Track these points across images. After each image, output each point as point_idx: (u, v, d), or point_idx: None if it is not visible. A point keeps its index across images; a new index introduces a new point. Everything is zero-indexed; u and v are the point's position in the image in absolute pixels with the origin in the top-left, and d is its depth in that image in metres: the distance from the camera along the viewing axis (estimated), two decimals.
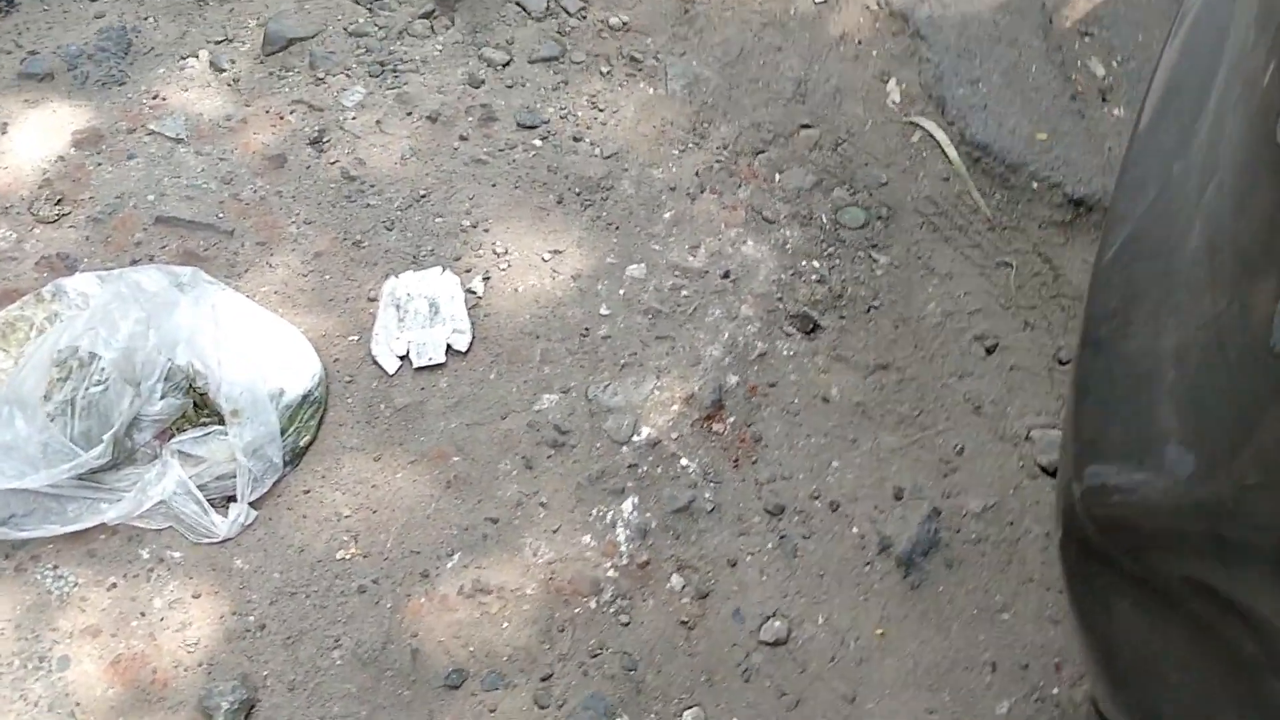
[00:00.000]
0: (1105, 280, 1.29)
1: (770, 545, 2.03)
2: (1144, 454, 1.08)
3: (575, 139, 2.49)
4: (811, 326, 2.26)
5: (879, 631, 1.96)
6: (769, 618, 1.96)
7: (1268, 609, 0.97)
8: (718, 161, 2.46)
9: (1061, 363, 2.27)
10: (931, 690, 1.91)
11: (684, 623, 1.95)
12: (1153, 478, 1.03)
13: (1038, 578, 2.01)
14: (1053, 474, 2.14)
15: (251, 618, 1.94)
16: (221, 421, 2.07)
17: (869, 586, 2.01)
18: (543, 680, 1.89)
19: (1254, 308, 0.99)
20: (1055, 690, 1.90)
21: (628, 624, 1.94)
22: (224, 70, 2.58)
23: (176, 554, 1.98)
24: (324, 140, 2.49)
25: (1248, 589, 0.98)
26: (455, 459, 2.09)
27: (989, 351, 2.26)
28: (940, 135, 2.50)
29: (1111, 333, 1.22)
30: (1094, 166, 2.46)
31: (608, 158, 2.46)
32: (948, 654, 1.94)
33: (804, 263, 2.33)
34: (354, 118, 2.53)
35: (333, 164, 2.46)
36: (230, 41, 2.64)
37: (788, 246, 2.35)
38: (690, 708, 1.88)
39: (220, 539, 2.00)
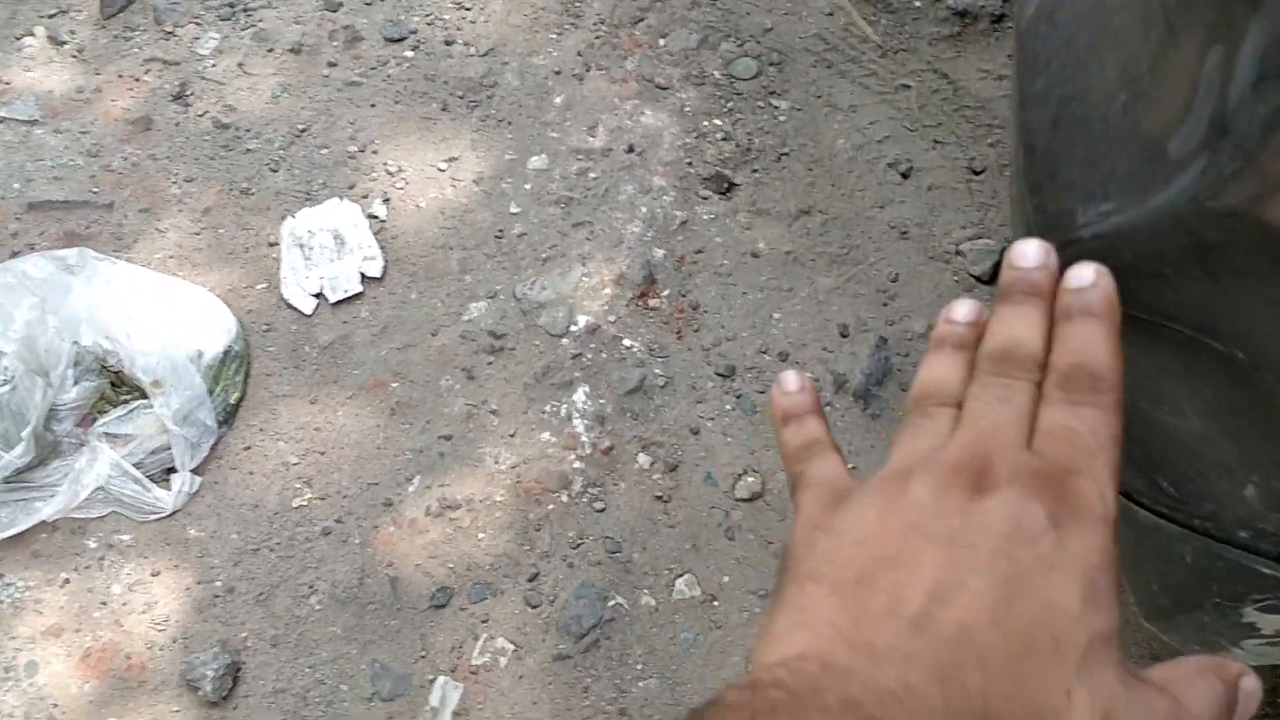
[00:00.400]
0: (1031, 35, 1.26)
1: (728, 407, 2.01)
2: (1112, 188, 1.05)
3: (447, 43, 2.40)
4: (727, 185, 2.21)
5: (849, 466, 1.95)
6: (741, 475, 1.94)
7: (1257, 314, 0.96)
8: (598, 37, 2.38)
9: (975, 173, 2.26)
10: None
11: (659, 497, 1.92)
12: (1130, 207, 1.00)
13: None
14: (987, 282, 2.14)
15: (218, 583, 1.87)
16: (144, 395, 1.98)
17: (832, 425, 1.98)
18: (530, 581, 1.85)
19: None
20: None
21: (603, 510, 1.91)
22: (65, 43, 2.44)
23: (125, 537, 1.90)
24: (187, 94, 2.36)
25: (1237, 297, 0.97)
26: (394, 385, 2.02)
27: (904, 176, 2.24)
28: None
29: (1048, 82, 1.19)
30: None
31: (484, 55, 2.37)
32: None
33: (706, 123, 2.28)
34: (213, 65, 2.41)
35: (201, 116, 2.34)
36: (65, 13, 2.49)
37: (686, 109, 2.30)
38: (681, 575, 1.86)
39: (168, 512, 1.92)
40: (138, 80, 2.39)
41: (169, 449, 1.95)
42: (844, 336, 2.07)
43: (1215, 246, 0.95)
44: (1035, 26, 1.26)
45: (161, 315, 2.04)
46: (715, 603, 1.85)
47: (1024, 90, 1.23)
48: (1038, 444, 0.47)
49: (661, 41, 2.38)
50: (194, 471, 1.95)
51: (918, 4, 2.41)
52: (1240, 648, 1.19)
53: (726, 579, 1.87)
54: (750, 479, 1.93)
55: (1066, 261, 1.13)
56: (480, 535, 1.89)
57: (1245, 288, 0.95)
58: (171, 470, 1.95)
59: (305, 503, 1.93)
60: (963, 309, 0.55)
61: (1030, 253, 0.54)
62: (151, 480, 1.93)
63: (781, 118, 2.30)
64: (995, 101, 2.34)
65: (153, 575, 1.87)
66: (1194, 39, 0.97)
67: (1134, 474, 1.19)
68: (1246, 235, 0.91)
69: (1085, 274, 0.52)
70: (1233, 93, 0.91)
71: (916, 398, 0.53)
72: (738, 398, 2.01)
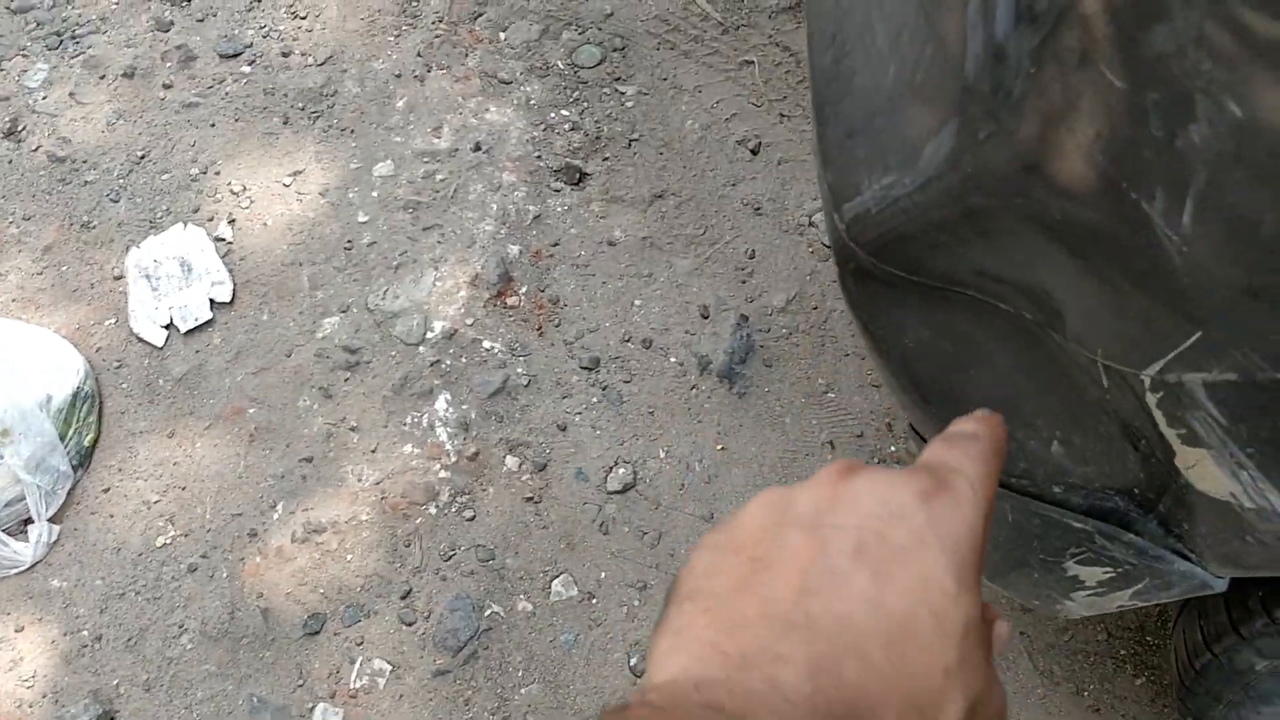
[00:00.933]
0: (817, 9, 1.25)
1: (595, 400, 1.99)
2: (890, 159, 1.05)
3: (284, 54, 2.34)
4: (578, 176, 2.19)
5: (719, 447, 1.95)
6: (612, 468, 1.93)
7: (1033, 273, 0.96)
8: (437, 36, 2.34)
9: None
10: (781, 483, 1.91)
11: (529, 499, 1.90)
12: (905, 178, 1.00)
13: (851, 351, 2.01)
14: None
15: (85, 632, 1.82)
16: None
17: (699, 408, 1.98)
18: (403, 598, 1.83)
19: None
20: (892, 448, 1.92)
21: (473, 518, 1.89)
22: None
23: None
24: (19, 129, 2.29)
25: (1010, 258, 0.97)
26: (251, 411, 1.98)
27: (754, 152, 2.23)
28: None
29: (834, 56, 1.18)
30: None
31: (323, 64, 2.32)
32: (787, 447, 1.94)
33: (553, 114, 2.26)
34: (44, 97, 2.33)
35: (35, 150, 2.27)
36: None
37: (532, 102, 2.27)
38: (557, 576, 1.85)
39: (28, 565, 1.86)
40: None
41: (23, 500, 1.89)
42: (705, 318, 2.06)
43: (982, 211, 0.95)
44: (818, 5, 1.25)
45: (4, 361, 1.97)
46: (593, 600, 1.84)
47: (813, 64, 1.23)
48: (925, 455, 0.49)
49: (502, 35, 2.35)
50: (51, 520, 1.89)
51: None
52: (1071, 599, 1.21)
53: (603, 574, 1.86)
54: (622, 470, 1.92)
55: (856, 236, 1.13)
56: (349, 557, 1.86)
57: (1019, 249, 0.95)
58: (29, 521, 1.89)
59: (169, 541, 1.88)
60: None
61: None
62: (8, 534, 1.87)
63: (629, 103, 2.28)
64: None
65: (16, 631, 1.81)
66: (948, 24, 0.97)
67: None
68: (1006, 198, 0.91)
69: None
70: (974, 63, 0.91)
71: None
72: (604, 389, 2.00)
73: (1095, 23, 0.80)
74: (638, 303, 2.07)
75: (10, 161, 2.25)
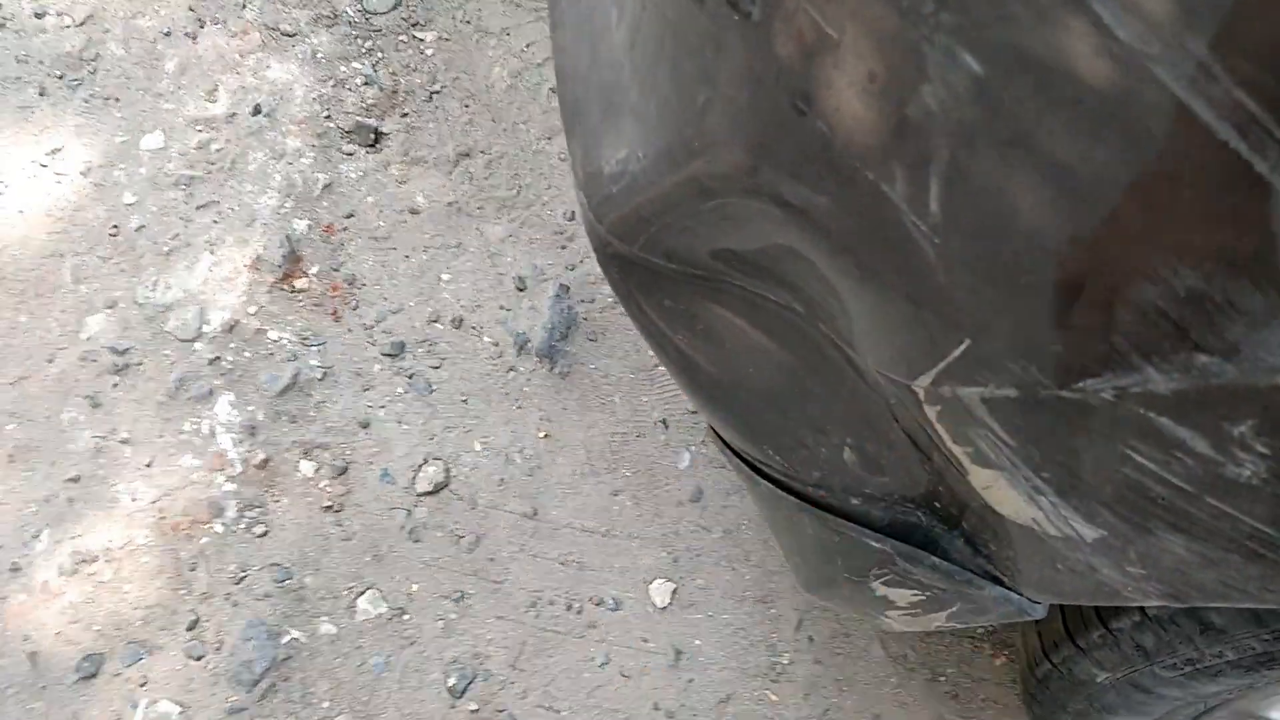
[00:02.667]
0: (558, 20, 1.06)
1: (400, 390, 1.79)
2: (618, 141, 0.87)
3: (38, 15, 2.07)
4: (374, 136, 1.97)
5: (542, 435, 1.77)
6: (421, 466, 1.74)
7: (788, 266, 0.79)
8: None
9: None
10: (610, 471, 1.74)
11: (329, 507, 1.71)
12: (638, 151, 0.82)
13: None
14: None
15: None
16: None
17: (519, 392, 1.80)
18: (189, 629, 1.63)
19: None
20: None
21: (265, 533, 1.68)
22: None
23: None
24: None
25: (760, 246, 0.79)
26: (10, 427, 1.74)
27: None
28: None
29: (572, 34, 0.99)
30: None
31: (82, 24, 2.05)
32: (617, 429, 1.77)
33: (343, 68, 2.02)
34: None
35: None
36: None
37: (319, 56, 2.03)
38: (363, 593, 1.66)
39: None
40: None
41: None
42: (521, 290, 1.86)
43: (712, 189, 0.77)
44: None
45: None
46: (405, 616, 1.66)
47: (554, 42, 1.03)
48: None
49: None
50: None
51: None
52: (887, 617, 1.05)
53: (415, 586, 1.67)
54: (432, 468, 1.73)
55: (607, 222, 0.94)
56: (126, 587, 1.64)
57: (766, 235, 0.78)
58: None
59: None
60: None
61: None
62: None
63: (429, 51, 2.06)
64: None
65: None
66: None
67: (747, 444, 1.03)
68: (735, 179, 0.74)
69: None
70: (707, 35, 0.72)
71: None
72: (410, 378, 1.80)
73: None
74: (445, 277, 1.87)
75: None
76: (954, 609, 0.95)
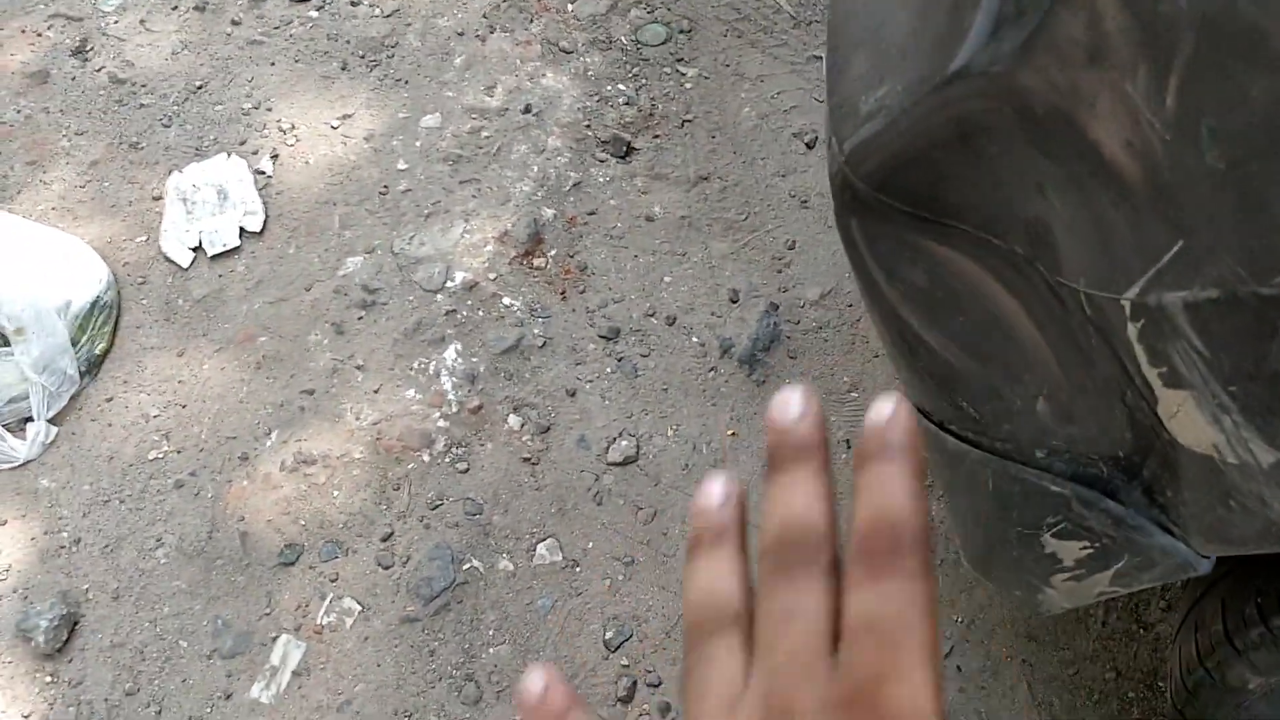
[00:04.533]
0: None
1: (609, 369, 1.93)
2: (884, 69, 0.99)
3: (353, 4, 2.35)
4: (625, 149, 2.15)
5: (730, 433, 1.88)
6: (615, 439, 1.86)
7: (1022, 196, 0.89)
8: (505, 0, 2.33)
9: None
10: None
11: (527, 459, 1.85)
12: (898, 84, 0.94)
13: (882, 352, 1.93)
14: None
15: (65, 534, 1.79)
16: (6, 343, 1.91)
17: (715, 391, 1.91)
18: (383, 540, 1.78)
19: None
20: None
21: (466, 470, 1.83)
22: None
23: None
24: (87, 49, 2.32)
25: (1000, 179, 0.89)
26: (263, 339, 1.95)
27: (809, 146, 2.17)
28: None
29: (840, 10, 1.13)
30: None
31: (389, 16, 2.32)
32: None
33: (609, 87, 2.22)
34: (116, 21, 2.36)
35: (99, 71, 2.29)
36: None
37: (590, 73, 2.23)
38: (544, 540, 1.78)
39: (21, 462, 1.85)
40: (39, 35, 2.34)
41: (27, 398, 1.88)
42: (734, 302, 1.99)
43: (978, 128, 0.88)
44: None
45: (31, 265, 1.97)
46: (577, 568, 1.77)
47: (833, 7, 1.17)
48: (844, 653, 0.37)
49: (570, 6, 2.33)
50: (51, 421, 1.88)
51: None
52: (1050, 586, 1.11)
53: (591, 545, 1.79)
54: (625, 442, 1.86)
55: (854, 163, 1.06)
56: (335, 493, 1.81)
57: (1009, 166, 0.88)
58: (29, 420, 1.88)
59: (161, 455, 1.86)
60: (712, 491, 0.43)
61: (791, 403, 0.42)
62: (7, 429, 1.86)
63: (688, 85, 2.24)
64: None
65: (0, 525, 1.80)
66: None
67: (939, 400, 1.12)
68: (1002, 113, 0.84)
69: (883, 408, 0.41)
70: None
71: (690, 626, 0.42)
72: (619, 360, 1.94)
73: None
74: (667, 279, 2.02)
75: (74, 79, 2.28)
76: (1120, 565, 1.01)
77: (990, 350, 1.04)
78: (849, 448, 1.86)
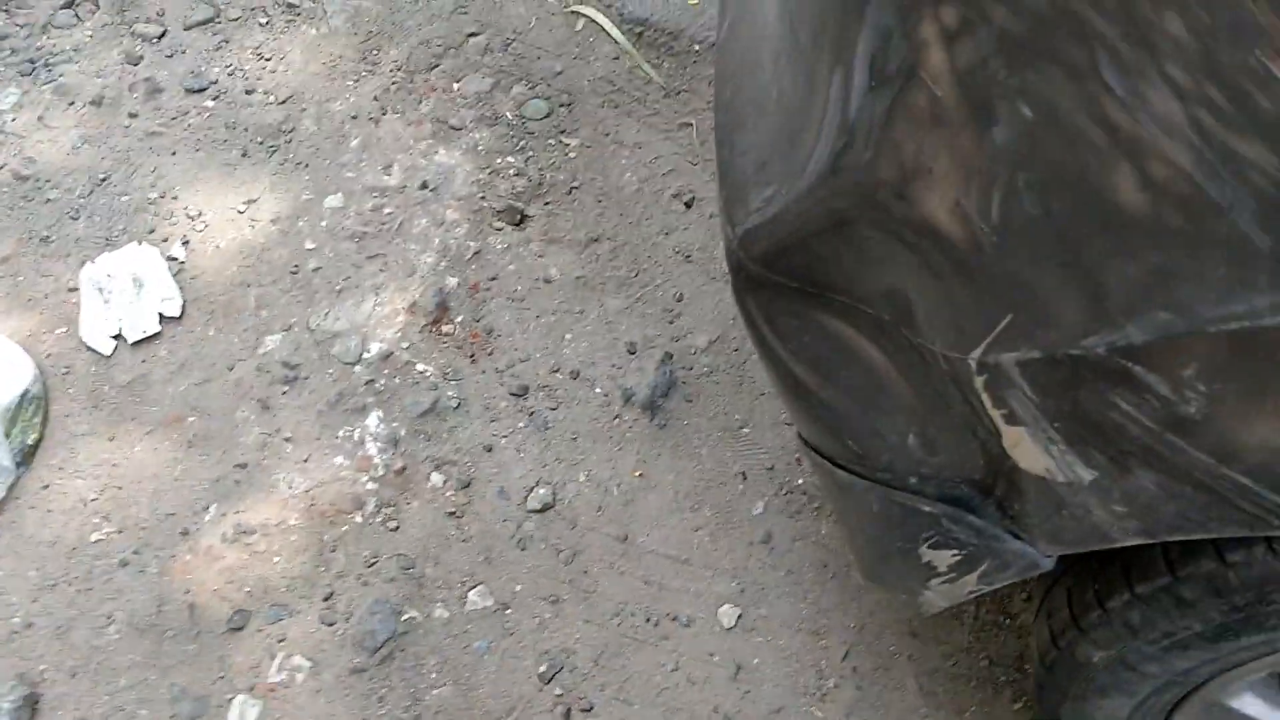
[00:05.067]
0: (721, 50, 1.40)
1: (521, 424, 2.10)
2: (773, 175, 1.19)
3: (248, 92, 2.48)
4: (519, 217, 2.33)
5: (637, 474, 2.06)
6: (533, 488, 2.03)
7: (887, 275, 1.09)
8: (394, 83, 2.49)
9: None
10: (694, 510, 2.02)
11: (452, 513, 2.00)
12: (783, 189, 1.13)
13: (768, 390, 2.14)
14: None
15: (16, 619, 1.88)
16: None
17: (621, 436, 2.10)
18: (325, 600, 1.91)
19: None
20: (800, 480, 2.04)
21: (397, 528, 1.98)
22: None
23: None
24: None
25: (868, 262, 1.10)
26: (191, 419, 2.07)
27: (687, 205, 2.38)
28: (601, 19, 2.59)
29: (732, 87, 1.33)
30: None
31: (284, 103, 2.46)
32: (702, 476, 2.06)
33: (499, 160, 2.40)
34: (14, 119, 2.45)
35: (1, 168, 2.37)
36: None
37: (480, 148, 2.41)
38: (474, 587, 1.94)
39: None
40: None
41: None
42: (632, 353, 2.18)
43: (847, 222, 1.08)
44: (725, 43, 1.40)
45: None
46: (508, 610, 1.93)
47: (716, 99, 1.37)
48: None
49: (456, 86, 2.50)
50: None
51: (697, 48, 2.57)
52: (929, 589, 1.32)
53: (519, 587, 1.95)
54: (542, 490, 2.03)
55: (745, 247, 1.26)
56: (276, 559, 1.94)
57: (875, 253, 1.08)
58: None
59: (104, 537, 1.96)
60: None
61: None
62: None
63: (572, 154, 2.43)
64: None
65: None
66: (821, 57, 1.11)
67: (830, 440, 1.32)
68: (863, 211, 1.05)
69: None
70: (852, 99, 1.04)
71: None
72: (531, 415, 2.11)
73: (931, 49, 0.94)
74: (568, 336, 2.19)
75: None
76: (983, 568, 1.22)
77: (869, 397, 1.25)
78: (745, 479, 2.06)
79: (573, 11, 2.62)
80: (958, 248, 0.98)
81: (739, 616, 1.94)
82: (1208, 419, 0.90)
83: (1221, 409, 0.89)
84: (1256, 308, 0.80)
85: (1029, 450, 1.05)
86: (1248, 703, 1.34)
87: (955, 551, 1.23)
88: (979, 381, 1.04)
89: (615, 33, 2.58)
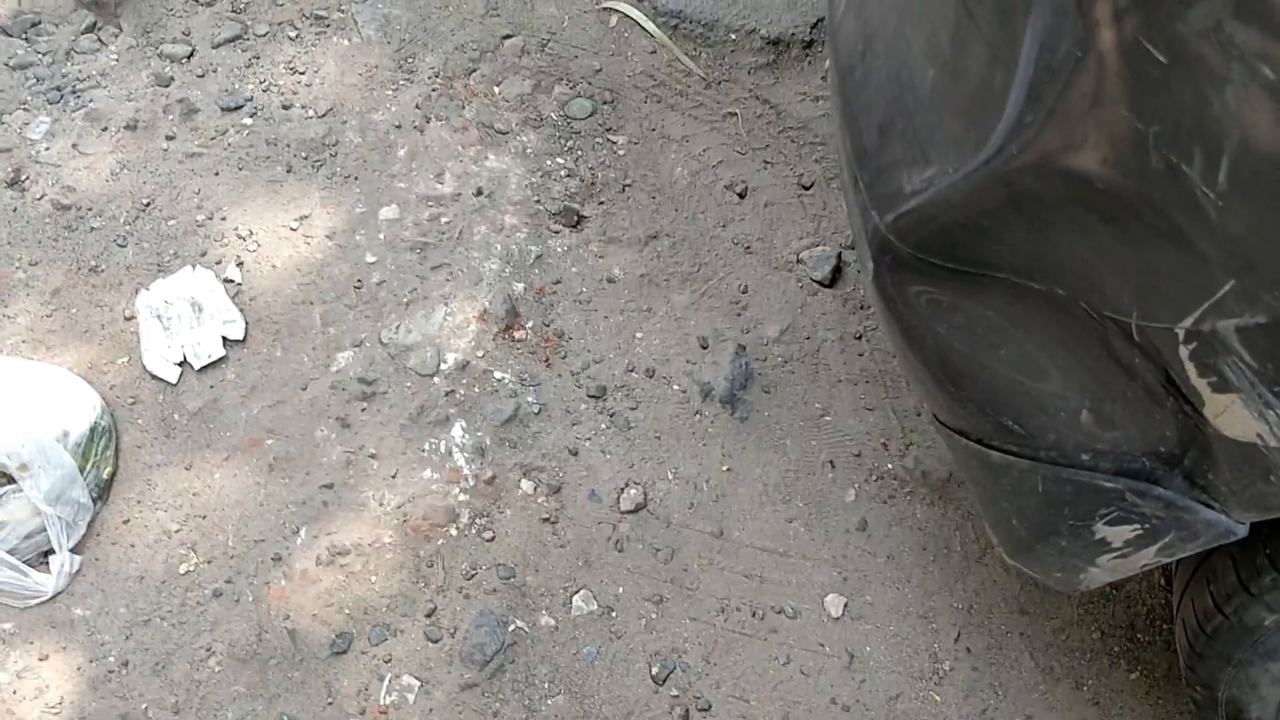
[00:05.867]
0: (842, 32, 1.39)
1: (604, 425, 2.08)
2: (931, 154, 1.17)
3: (285, 107, 2.43)
4: (576, 219, 2.30)
5: (725, 469, 2.05)
6: (623, 489, 2.01)
7: (1071, 249, 1.08)
8: (434, 90, 2.45)
9: (805, 188, 2.40)
10: (785, 502, 2.01)
11: (546, 519, 1.98)
12: (949, 168, 1.12)
13: (844, 376, 2.13)
14: (828, 285, 2.27)
15: (111, 659, 1.84)
16: (11, 480, 1.93)
17: (704, 432, 2.08)
18: (428, 616, 1.88)
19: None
20: (889, 465, 2.04)
21: (493, 539, 1.95)
22: None
23: (7, 625, 1.86)
24: (23, 179, 2.34)
25: (1050, 238, 1.09)
26: (269, 442, 2.03)
27: (741, 196, 2.37)
28: (635, 13, 2.58)
29: (864, 69, 1.32)
30: (780, 5, 2.60)
31: (323, 116, 2.42)
32: (789, 467, 2.05)
33: (549, 162, 2.37)
34: (47, 148, 2.39)
35: (40, 199, 2.31)
36: None
37: (529, 151, 2.38)
38: (577, 592, 1.92)
39: (50, 595, 1.88)
40: None
41: (44, 531, 1.91)
42: (704, 348, 2.17)
43: (1030, 197, 1.07)
44: (844, 23, 1.39)
45: (20, 399, 2.00)
46: (613, 614, 1.91)
47: (841, 83, 1.36)
48: None
49: (497, 89, 2.47)
50: (73, 551, 1.92)
51: (734, 37, 2.56)
52: (1095, 565, 1.32)
53: (621, 590, 1.93)
54: (633, 491, 2.01)
55: (898, 230, 1.24)
56: (373, 578, 1.91)
57: (1061, 227, 1.07)
58: (50, 552, 1.91)
59: (192, 568, 1.92)
60: None
61: None
62: (29, 564, 1.89)
63: (620, 152, 2.41)
64: (815, 121, 2.50)
65: (40, 660, 1.83)
66: (1000, 27, 1.10)
67: (982, 419, 1.31)
68: (1055, 184, 1.04)
69: None
70: (1037, 64, 1.03)
71: None
72: (612, 416, 2.09)
73: (1131, 9, 0.93)
74: (639, 335, 2.18)
75: (15, 210, 2.30)
76: (1166, 539, 1.22)
77: (1032, 374, 1.24)
78: (833, 467, 2.05)
79: (606, 8, 2.60)
80: (1171, 215, 0.97)
81: (845, 605, 1.93)
82: None
83: None
84: None
85: (1238, 417, 1.05)
86: None
87: (1137, 526, 1.22)
88: (1184, 350, 1.04)
89: (651, 26, 2.57)
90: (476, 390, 2.09)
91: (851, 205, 1.37)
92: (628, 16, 2.58)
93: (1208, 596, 1.40)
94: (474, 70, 2.50)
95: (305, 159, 2.37)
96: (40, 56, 2.51)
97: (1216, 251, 0.95)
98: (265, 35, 2.54)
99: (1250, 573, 1.32)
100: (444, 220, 2.27)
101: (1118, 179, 0.98)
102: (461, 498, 1.98)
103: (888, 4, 1.31)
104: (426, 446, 2.02)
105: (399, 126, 2.41)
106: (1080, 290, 1.12)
